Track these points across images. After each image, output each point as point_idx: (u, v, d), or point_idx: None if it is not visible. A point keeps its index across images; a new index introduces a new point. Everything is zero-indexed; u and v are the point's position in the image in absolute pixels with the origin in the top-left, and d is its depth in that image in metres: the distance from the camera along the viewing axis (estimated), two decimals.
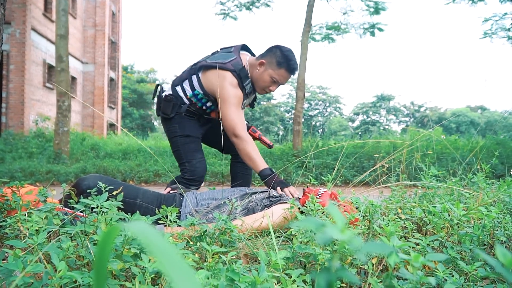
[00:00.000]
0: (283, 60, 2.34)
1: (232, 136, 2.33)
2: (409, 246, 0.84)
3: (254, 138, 2.68)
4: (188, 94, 2.48)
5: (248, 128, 2.68)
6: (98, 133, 16.51)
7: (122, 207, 1.45)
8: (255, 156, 2.27)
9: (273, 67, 2.36)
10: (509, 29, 10.52)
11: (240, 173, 2.72)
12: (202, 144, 2.67)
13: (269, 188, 2.16)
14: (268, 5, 11.11)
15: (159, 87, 2.63)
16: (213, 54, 2.53)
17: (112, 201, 1.30)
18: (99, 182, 1.70)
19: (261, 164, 2.25)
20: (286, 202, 1.96)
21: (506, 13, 10.37)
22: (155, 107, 2.66)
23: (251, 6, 11.10)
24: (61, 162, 8.16)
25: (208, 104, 2.50)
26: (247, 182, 2.75)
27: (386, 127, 49.66)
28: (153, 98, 2.65)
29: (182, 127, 2.49)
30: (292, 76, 2.44)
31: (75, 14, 16.22)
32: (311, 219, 0.33)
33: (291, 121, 40.37)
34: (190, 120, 2.51)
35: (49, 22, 13.72)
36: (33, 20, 12.42)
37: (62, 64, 8.26)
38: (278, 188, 2.13)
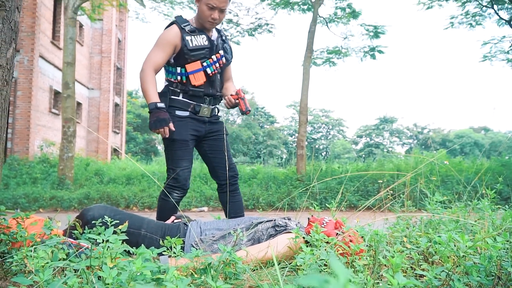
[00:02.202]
0: None
1: (140, 70, 2.49)
2: (414, 284, 0.84)
3: (239, 98, 2.58)
4: (168, 77, 2.58)
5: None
6: (102, 158, 16.58)
7: (126, 238, 1.45)
8: (149, 88, 2.42)
9: None
10: (508, 52, 10.62)
11: (231, 202, 2.67)
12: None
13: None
14: (270, 31, 11.33)
15: None
16: None
17: (118, 234, 1.30)
18: (104, 214, 1.71)
19: (151, 97, 2.40)
20: (291, 232, 1.95)
21: (504, 36, 10.51)
22: None
23: (253, 32, 11.33)
24: (65, 188, 8.18)
25: (178, 70, 2.51)
26: (239, 209, 2.69)
27: (390, 149, 49.58)
28: None
29: (176, 129, 2.49)
30: None
31: (82, 41, 16.54)
32: (313, 275, 0.34)
33: (294, 145, 40.40)
34: (180, 121, 2.51)
35: (56, 49, 13.99)
36: (41, 48, 12.67)
37: (69, 90, 8.38)
38: (281, 219, 2.11)
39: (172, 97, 2.52)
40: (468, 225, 2.25)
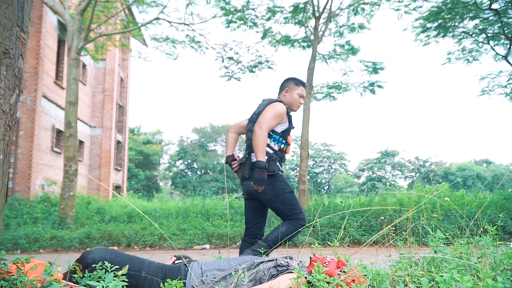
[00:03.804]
0: (297, 81, 3.28)
1: (257, 126, 2.99)
2: None
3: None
4: (270, 143, 3.08)
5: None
6: (103, 195, 16.51)
7: (126, 281, 1.45)
8: (263, 146, 2.95)
9: (295, 88, 3.25)
10: (505, 86, 10.77)
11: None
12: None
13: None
14: (270, 67, 11.54)
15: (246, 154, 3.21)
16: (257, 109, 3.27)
17: (118, 277, 1.30)
18: (105, 257, 1.70)
19: (262, 156, 2.93)
20: (292, 272, 1.93)
21: (501, 71, 10.68)
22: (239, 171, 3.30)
23: (254, 69, 11.55)
24: (65, 227, 8.10)
25: (283, 140, 3.13)
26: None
27: (392, 182, 49.32)
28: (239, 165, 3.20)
29: (287, 184, 3.07)
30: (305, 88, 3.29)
31: (85, 81, 16.83)
32: None
33: (296, 179, 40.15)
34: (283, 176, 3.11)
35: (59, 89, 14.21)
36: (44, 88, 12.89)
37: (71, 130, 8.46)
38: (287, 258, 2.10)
39: (276, 161, 3.08)
40: (470, 263, 2.23)
